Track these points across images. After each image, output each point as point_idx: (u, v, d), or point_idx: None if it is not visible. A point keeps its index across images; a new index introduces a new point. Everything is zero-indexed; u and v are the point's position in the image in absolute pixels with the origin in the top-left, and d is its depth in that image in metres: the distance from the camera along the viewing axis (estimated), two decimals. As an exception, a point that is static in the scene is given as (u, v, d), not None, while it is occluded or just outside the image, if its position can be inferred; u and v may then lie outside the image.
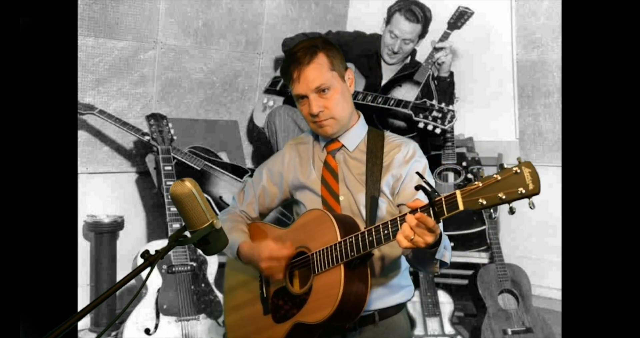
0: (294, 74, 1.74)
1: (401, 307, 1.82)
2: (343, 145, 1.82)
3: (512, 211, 1.29)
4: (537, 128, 3.64)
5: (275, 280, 1.78)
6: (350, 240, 1.57)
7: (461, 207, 1.33)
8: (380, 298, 1.75)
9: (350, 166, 1.80)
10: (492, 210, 1.29)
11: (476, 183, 1.30)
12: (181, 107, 3.64)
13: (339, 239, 1.60)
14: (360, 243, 1.55)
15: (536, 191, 1.24)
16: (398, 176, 1.73)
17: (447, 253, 1.57)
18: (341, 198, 1.77)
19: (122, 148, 3.45)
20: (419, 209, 1.40)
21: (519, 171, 1.24)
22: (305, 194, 1.84)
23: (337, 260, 1.59)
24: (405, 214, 1.43)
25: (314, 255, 1.67)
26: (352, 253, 1.56)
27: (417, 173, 1.51)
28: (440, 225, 1.66)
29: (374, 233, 1.53)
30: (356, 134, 1.82)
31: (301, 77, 1.73)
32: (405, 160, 1.74)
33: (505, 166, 1.27)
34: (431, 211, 1.38)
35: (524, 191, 1.24)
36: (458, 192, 1.33)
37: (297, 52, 1.76)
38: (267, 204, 1.96)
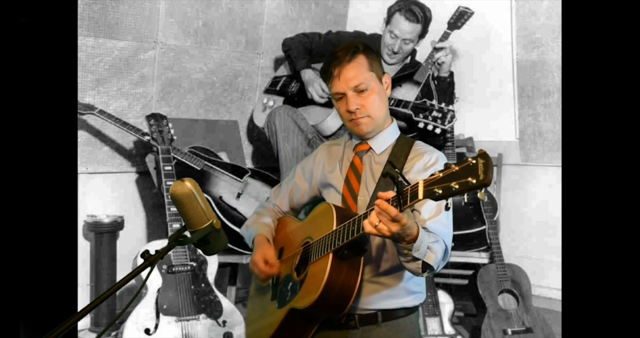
0: (335, 72, 1.80)
1: (410, 311, 1.82)
2: (371, 147, 1.86)
3: (463, 202, 1.29)
4: (537, 127, 3.64)
5: (284, 265, 1.89)
6: (339, 229, 1.62)
7: (420, 196, 1.33)
8: (383, 299, 1.76)
9: (373, 169, 1.83)
10: (449, 201, 1.25)
11: (437, 173, 1.31)
12: (181, 107, 3.64)
13: (334, 229, 1.66)
14: (345, 231, 1.59)
15: (486, 182, 1.22)
16: (414, 181, 1.73)
17: (432, 255, 1.56)
18: (360, 198, 1.81)
19: (122, 148, 3.45)
20: (390, 199, 1.42)
21: (474, 161, 1.24)
22: (329, 192, 1.90)
23: (327, 248, 1.65)
24: None
25: (313, 243, 1.74)
26: (338, 242, 1.61)
27: (389, 161, 1.52)
28: (445, 223, 1.68)
29: (356, 222, 1.57)
30: (386, 138, 1.86)
31: (341, 75, 1.79)
32: (425, 167, 1.76)
33: (468, 158, 1.27)
34: (399, 201, 1.39)
35: (474, 182, 1.23)
36: (421, 181, 1.35)
37: (338, 52, 1.83)
38: (297, 200, 2.04)
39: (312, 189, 1.99)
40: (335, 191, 1.87)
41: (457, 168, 1.27)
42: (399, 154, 1.81)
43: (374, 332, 1.76)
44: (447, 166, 1.30)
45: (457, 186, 1.25)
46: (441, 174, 1.29)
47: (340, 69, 1.79)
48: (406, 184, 1.39)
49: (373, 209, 1.47)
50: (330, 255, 1.62)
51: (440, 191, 1.28)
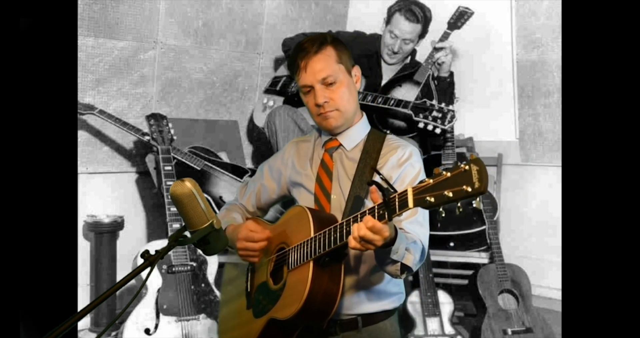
0: (301, 64, 1.73)
1: (390, 313, 1.78)
2: (341, 144, 1.80)
3: (458, 210, 1.25)
4: (537, 127, 3.64)
5: (257, 272, 1.80)
6: (319, 236, 1.57)
7: (411, 205, 1.28)
8: (363, 303, 1.72)
9: (345, 166, 1.78)
10: (441, 209, 1.20)
11: (427, 179, 1.26)
12: (181, 107, 3.64)
13: (312, 235, 1.60)
14: (326, 239, 1.54)
15: (481, 190, 1.17)
16: (388, 178, 1.68)
17: (410, 256, 1.52)
18: (333, 197, 1.75)
19: (122, 148, 3.45)
20: (376, 206, 1.38)
21: (467, 168, 1.19)
22: (300, 192, 1.84)
23: (307, 256, 1.59)
24: (365, 211, 1.42)
25: (290, 250, 1.68)
26: (319, 250, 1.55)
27: (374, 168, 1.48)
28: (421, 223, 1.64)
29: (338, 230, 1.52)
30: (356, 133, 1.80)
31: (308, 67, 1.72)
32: (399, 163, 1.71)
33: (461, 164, 1.22)
34: (388, 209, 1.35)
35: (469, 190, 1.17)
36: (410, 189, 1.29)
37: (304, 43, 1.76)
38: (264, 200, 1.97)
39: (281, 189, 1.91)
40: (306, 190, 1.81)
41: (449, 175, 1.22)
42: (371, 150, 1.75)
43: (354, 337, 1.72)
44: (437, 172, 1.24)
45: (450, 194, 1.20)
46: (432, 181, 1.25)
47: (307, 61, 1.72)
48: (392, 191, 1.34)
49: (355, 218, 1.44)
50: (311, 263, 1.56)
51: (433, 200, 1.23)
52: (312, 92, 1.74)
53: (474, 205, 1.23)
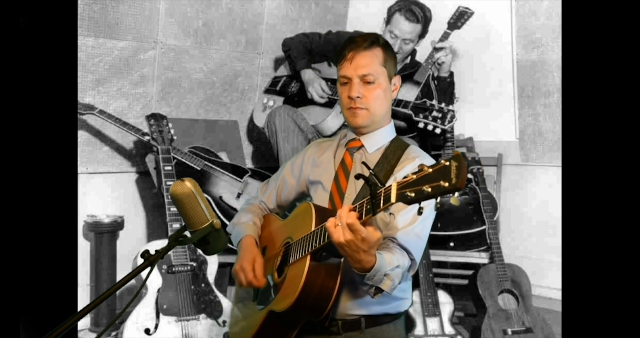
0: (348, 54, 1.76)
1: (394, 317, 1.78)
2: (363, 145, 1.83)
3: (436, 207, 1.24)
4: (537, 127, 3.64)
5: (266, 265, 1.83)
6: (316, 230, 1.58)
7: (393, 200, 1.28)
8: (367, 305, 1.71)
9: (364, 168, 1.79)
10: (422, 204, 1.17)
11: (410, 175, 1.26)
12: (181, 107, 3.64)
13: (312, 229, 1.61)
14: (322, 232, 1.55)
15: (458, 186, 1.16)
16: None
17: (388, 282, 1.52)
18: (347, 196, 1.77)
19: (122, 148, 3.45)
20: (364, 200, 1.39)
21: (447, 164, 1.18)
22: (317, 189, 1.86)
23: (305, 249, 1.61)
24: (355, 206, 1.43)
25: (292, 244, 1.70)
26: (315, 244, 1.56)
27: (363, 162, 1.49)
28: (418, 234, 1.64)
29: None
30: (379, 137, 1.83)
31: (354, 60, 1.76)
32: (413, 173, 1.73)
33: (442, 160, 1.21)
34: (372, 204, 1.35)
35: (446, 185, 1.17)
36: (394, 184, 1.29)
37: (356, 37, 1.79)
38: (284, 197, 2.00)
39: (300, 186, 1.94)
40: (323, 188, 1.83)
41: (430, 170, 1.22)
42: (391, 156, 1.77)
43: None
44: (420, 167, 1.24)
45: (429, 190, 1.19)
46: (414, 177, 1.24)
47: (355, 53, 1.76)
48: (380, 185, 1.34)
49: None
50: (308, 257, 1.58)
51: (413, 194, 1.23)
52: (349, 84, 1.77)
53: (451, 201, 1.22)
